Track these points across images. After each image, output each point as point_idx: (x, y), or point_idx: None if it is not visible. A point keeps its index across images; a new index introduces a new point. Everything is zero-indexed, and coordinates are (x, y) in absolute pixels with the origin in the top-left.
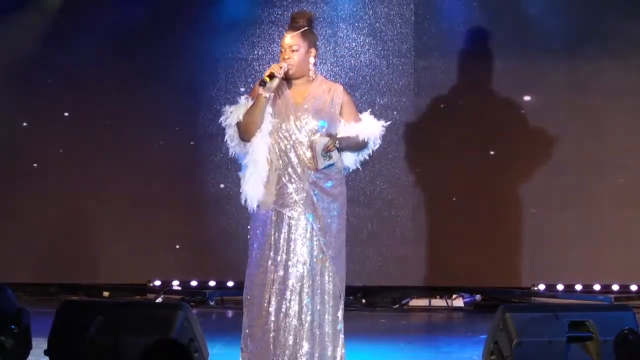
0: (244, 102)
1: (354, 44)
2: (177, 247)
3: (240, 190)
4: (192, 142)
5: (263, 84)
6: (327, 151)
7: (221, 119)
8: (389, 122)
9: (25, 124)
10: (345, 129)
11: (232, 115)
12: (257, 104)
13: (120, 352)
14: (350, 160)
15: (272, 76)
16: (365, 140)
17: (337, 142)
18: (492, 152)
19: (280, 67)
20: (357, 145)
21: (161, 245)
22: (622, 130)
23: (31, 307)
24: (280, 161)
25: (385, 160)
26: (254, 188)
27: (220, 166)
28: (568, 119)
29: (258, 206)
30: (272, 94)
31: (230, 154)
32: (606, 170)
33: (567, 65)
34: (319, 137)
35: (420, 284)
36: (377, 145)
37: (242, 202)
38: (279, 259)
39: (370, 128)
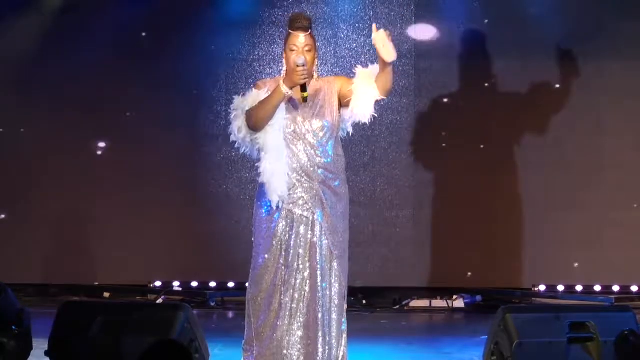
0: (256, 92)
1: (354, 45)
2: (178, 247)
3: (261, 181)
4: (192, 142)
5: (305, 100)
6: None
7: (234, 105)
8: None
9: (24, 124)
10: (361, 78)
11: (247, 99)
12: (275, 97)
13: (121, 353)
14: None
15: (305, 85)
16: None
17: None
18: (492, 153)
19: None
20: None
21: (162, 246)
22: (622, 130)
23: (32, 307)
24: (289, 160)
25: (385, 161)
26: (279, 181)
27: (220, 166)
28: (568, 119)
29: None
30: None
31: (231, 155)
32: (606, 170)
33: (567, 65)
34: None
35: (421, 285)
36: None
37: (269, 195)
38: (289, 258)
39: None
